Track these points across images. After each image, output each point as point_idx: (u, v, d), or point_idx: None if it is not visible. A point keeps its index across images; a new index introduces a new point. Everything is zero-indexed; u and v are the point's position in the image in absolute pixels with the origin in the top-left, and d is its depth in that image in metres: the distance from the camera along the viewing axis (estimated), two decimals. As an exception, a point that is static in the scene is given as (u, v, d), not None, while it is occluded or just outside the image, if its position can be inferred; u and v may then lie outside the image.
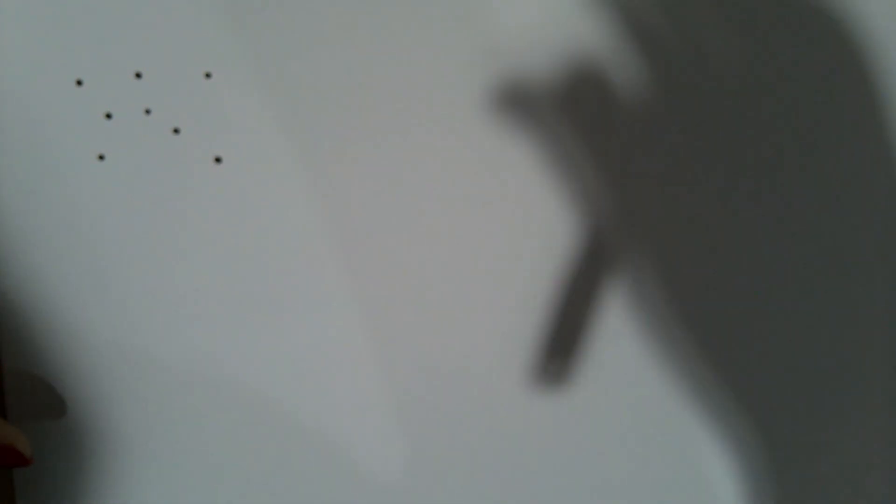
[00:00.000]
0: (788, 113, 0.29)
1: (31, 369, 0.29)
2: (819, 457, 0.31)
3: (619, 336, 0.30)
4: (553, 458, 0.31)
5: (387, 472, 0.31)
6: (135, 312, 0.29)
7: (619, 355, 0.30)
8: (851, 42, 0.29)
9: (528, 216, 0.29)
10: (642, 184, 0.29)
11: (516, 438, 0.30)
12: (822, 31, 0.29)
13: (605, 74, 0.28)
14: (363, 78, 0.28)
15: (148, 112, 0.28)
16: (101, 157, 0.28)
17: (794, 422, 0.31)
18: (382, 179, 0.29)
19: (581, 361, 0.30)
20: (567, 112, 0.29)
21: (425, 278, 0.30)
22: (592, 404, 0.30)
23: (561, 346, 0.30)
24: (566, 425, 0.30)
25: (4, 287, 0.29)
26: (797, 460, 0.31)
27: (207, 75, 0.28)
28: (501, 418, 0.30)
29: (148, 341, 0.30)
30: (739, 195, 0.30)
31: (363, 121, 0.29)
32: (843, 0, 0.29)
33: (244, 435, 0.30)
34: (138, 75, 0.28)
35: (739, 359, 0.30)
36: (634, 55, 0.28)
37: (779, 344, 0.30)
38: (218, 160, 0.29)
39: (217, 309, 0.29)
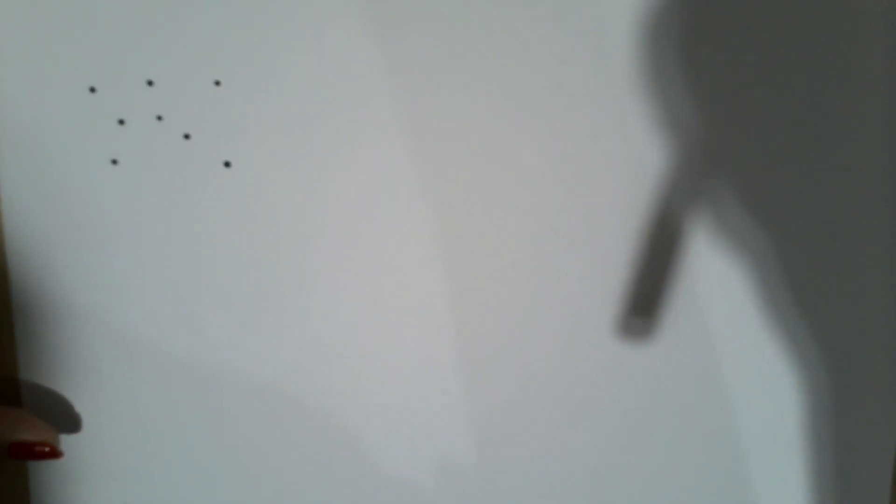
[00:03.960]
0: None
1: (47, 371, 0.30)
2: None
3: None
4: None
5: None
6: (147, 312, 0.30)
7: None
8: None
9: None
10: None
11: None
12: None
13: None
14: (370, 83, 0.29)
15: (159, 118, 0.29)
16: (115, 162, 0.29)
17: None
18: (389, 180, 0.30)
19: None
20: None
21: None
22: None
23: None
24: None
25: (21, 285, 0.29)
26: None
27: (217, 83, 0.29)
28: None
29: (160, 341, 0.30)
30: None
31: (369, 124, 0.29)
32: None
33: (261, 434, 0.31)
34: (150, 83, 0.29)
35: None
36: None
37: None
38: (227, 164, 0.29)
39: (227, 308, 0.30)
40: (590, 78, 0.29)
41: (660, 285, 0.30)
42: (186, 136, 0.29)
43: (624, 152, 0.30)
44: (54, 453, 0.29)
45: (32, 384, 0.30)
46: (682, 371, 0.32)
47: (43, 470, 0.31)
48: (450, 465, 0.32)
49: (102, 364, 0.30)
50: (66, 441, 0.31)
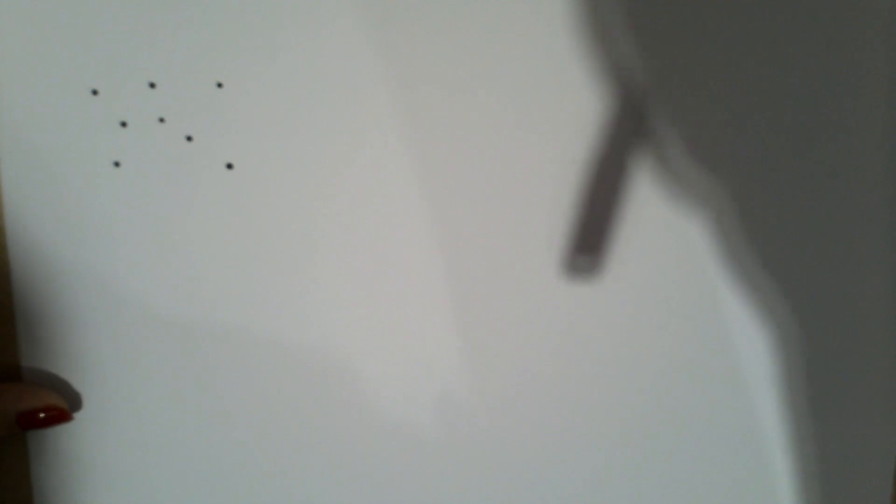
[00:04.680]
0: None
1: (48, 366, 0.30)
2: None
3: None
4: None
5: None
6: (149, 314, 0.30)
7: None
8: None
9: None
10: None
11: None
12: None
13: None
14: (372, 85, 0.29)
15: (162, 120, 0.29)
16: (117, 164, 0.29)
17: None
18: (390, 180, 0.30)
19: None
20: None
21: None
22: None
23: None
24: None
25: (24, 288, 0.29)
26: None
27: (219, 85, 0.29)
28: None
29: (161, 341, 0.30)
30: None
31: (372, 126, 0.29)
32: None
33: (263, 426, 0.31)
34: (152, 85, 0.29)
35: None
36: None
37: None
38: (229, 166, 0.29)
39: (229, 308, 0.30)
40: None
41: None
42: (189, 138, 0.29)
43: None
44: (64, 416, 0.29)
45: (33, 366, 0.30)
46: (677, 366, 0.32)
47: (45, 468, 0.31)
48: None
49: (105, 366, 0.30)
50: (67, 436, 0.31)
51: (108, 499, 0.31)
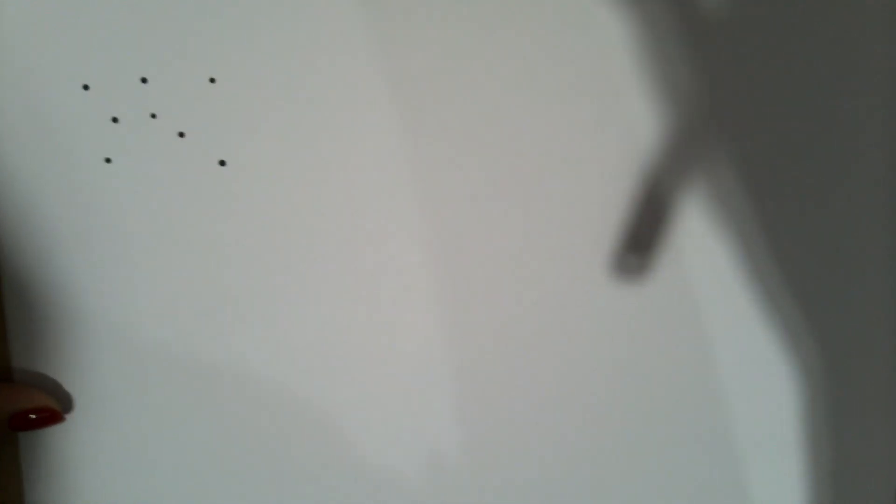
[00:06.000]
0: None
1: (40, 366, 0.30)
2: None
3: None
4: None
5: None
6: (140, 311, 0.30)
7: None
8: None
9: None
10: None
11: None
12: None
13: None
14: (366, 81, 0.29)
15: (153, 116, 0.29)
16: (108, 160, 0.29)
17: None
18: (387, 179, 0.30)
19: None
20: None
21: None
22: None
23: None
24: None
25: (14, 286, 0.29)
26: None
27: (212, 80, 0.28)
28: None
29: (153, 340, 0.30)
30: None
31: (366, 123, 0.29)
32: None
33: (256, 435, 0.31)
34: (144, 80, 0.28)
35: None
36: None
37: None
38: (222, 163, 0.29)
39: (222, 308, 0.30)
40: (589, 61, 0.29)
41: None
42: (181, 135, 0.29)
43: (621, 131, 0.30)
44: (55, 417, 0.29)
45: (24, 366, 0.30)
46: (676, 371, 0.32)
47: (36, 469, 0.31)
48: (438, 460, 0.31)
49: (95, 362, 0.30)
50: (58, 437, 0.31)
51: (99, 500, 0.31)
